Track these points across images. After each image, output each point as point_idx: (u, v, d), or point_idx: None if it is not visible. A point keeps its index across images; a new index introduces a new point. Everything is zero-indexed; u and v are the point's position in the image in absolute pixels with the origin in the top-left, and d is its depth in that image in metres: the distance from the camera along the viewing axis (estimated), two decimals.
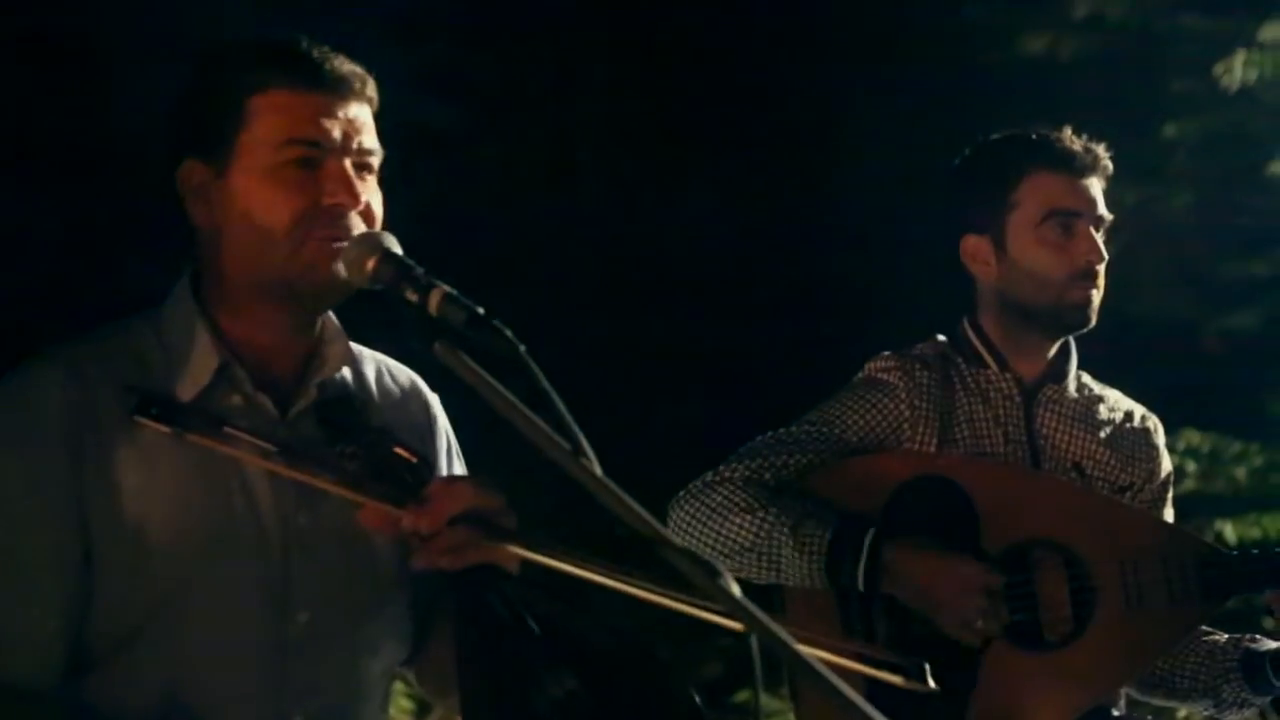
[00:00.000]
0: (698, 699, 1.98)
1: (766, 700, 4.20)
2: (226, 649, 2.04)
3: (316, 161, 2.05)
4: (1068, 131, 2.99)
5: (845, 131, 8.21)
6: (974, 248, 2.98)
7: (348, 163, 2.06)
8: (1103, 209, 2.96)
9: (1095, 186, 2.96)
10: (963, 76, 7.30)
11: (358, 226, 2.05)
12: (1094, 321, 2.95)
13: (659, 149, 8.80)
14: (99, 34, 7.36)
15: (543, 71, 9.24)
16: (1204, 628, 3.01)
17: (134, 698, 2.03)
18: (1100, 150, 2.99)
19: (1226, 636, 2.99)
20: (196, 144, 2.08)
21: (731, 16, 8.49)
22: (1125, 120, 6.54)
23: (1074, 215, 2.92)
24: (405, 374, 2.28)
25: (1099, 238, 2.93)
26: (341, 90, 2.07)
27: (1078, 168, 2.94)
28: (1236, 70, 6.31)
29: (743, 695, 6.30)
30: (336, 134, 2.05)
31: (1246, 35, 6.40)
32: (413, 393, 2.27)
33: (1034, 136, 2.98)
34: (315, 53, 2.08)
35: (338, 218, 2.04)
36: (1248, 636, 2.96)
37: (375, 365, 2.25)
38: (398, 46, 8.96)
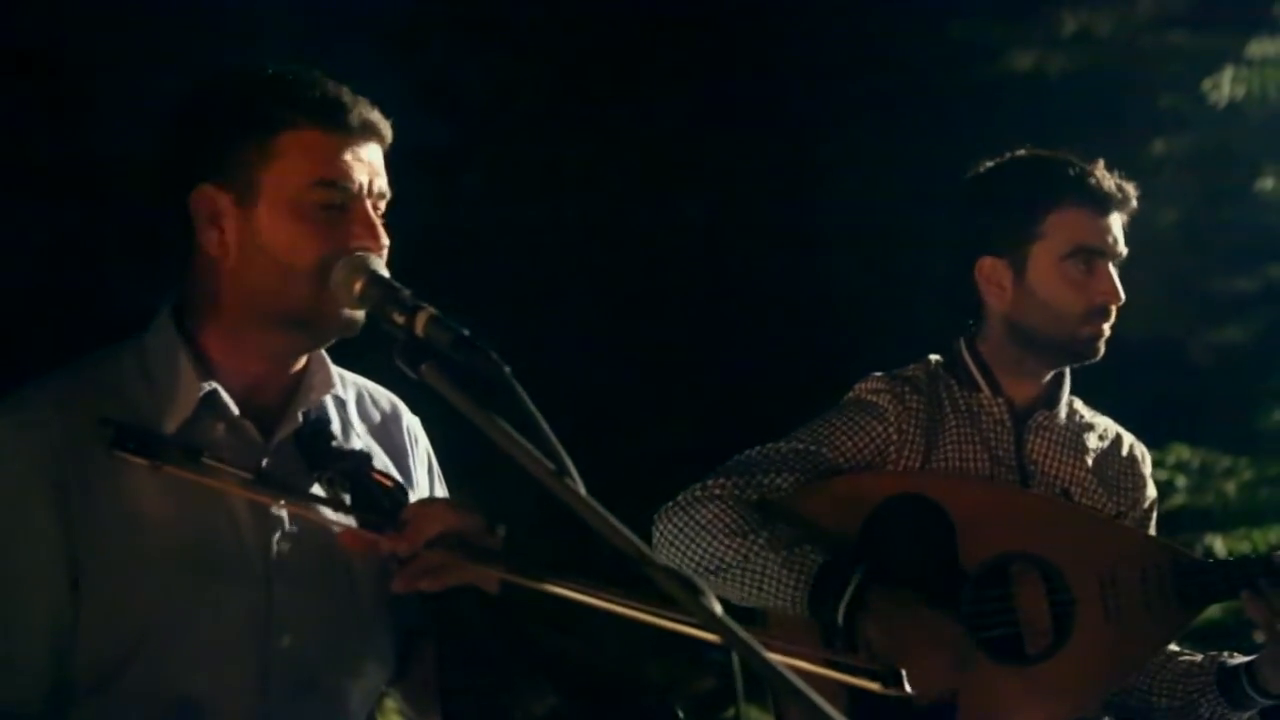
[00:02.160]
0: (681, 716, 1.99)
1: (755, 715, 4.20)
2: (211, 674, 2.05)
3: (342, 204, 2.08)
4: (1100, 165, 2.96)
5: (836, 148, 8.22)
6: (990, 270, 2.96)
7: (369, 205, 2.09)
8: (1123, 247, 2.95)
9: (1119, 224, 2.96)
10: (951, 93, 7.32)
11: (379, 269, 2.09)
12: (1102, 355, 2.95)
13: (651, 163, 8.82)
14: (85, 51, 7.36)
15: (534, 85, 9.25)
16: (1180, 648, 3.02)
17: None
18: (1130, 188, 2.97)
19: (1202, 655, 3.00)
20: (216, 171, 2.09)
21: (723, 30, 8.51)
22: (1113, 136, 6.55)
23: (1098, 254, 2.91)
24: (386, 398, 2.29)
25: (1115, 274, 2.92)
26: (367, 134, 2.11)
27: (1108, 206, 2.92)
28: (1225, 86, 6.33)
29: (733, 711, 6.30)
30: (362, 178, 2.09)
31: (1234, 51, 6.42)
32: (393, 416, 2.28)
33: (1070, 168, 2.94)
34: (343, 95, 2.11)
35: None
36: (1223, 653, 2.97)
37: (356, 390, 2.27)
38: (388, 61, 8.98)
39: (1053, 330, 2.93)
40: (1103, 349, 2.95)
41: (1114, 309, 2.93)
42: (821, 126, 8.31)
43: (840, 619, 2.75)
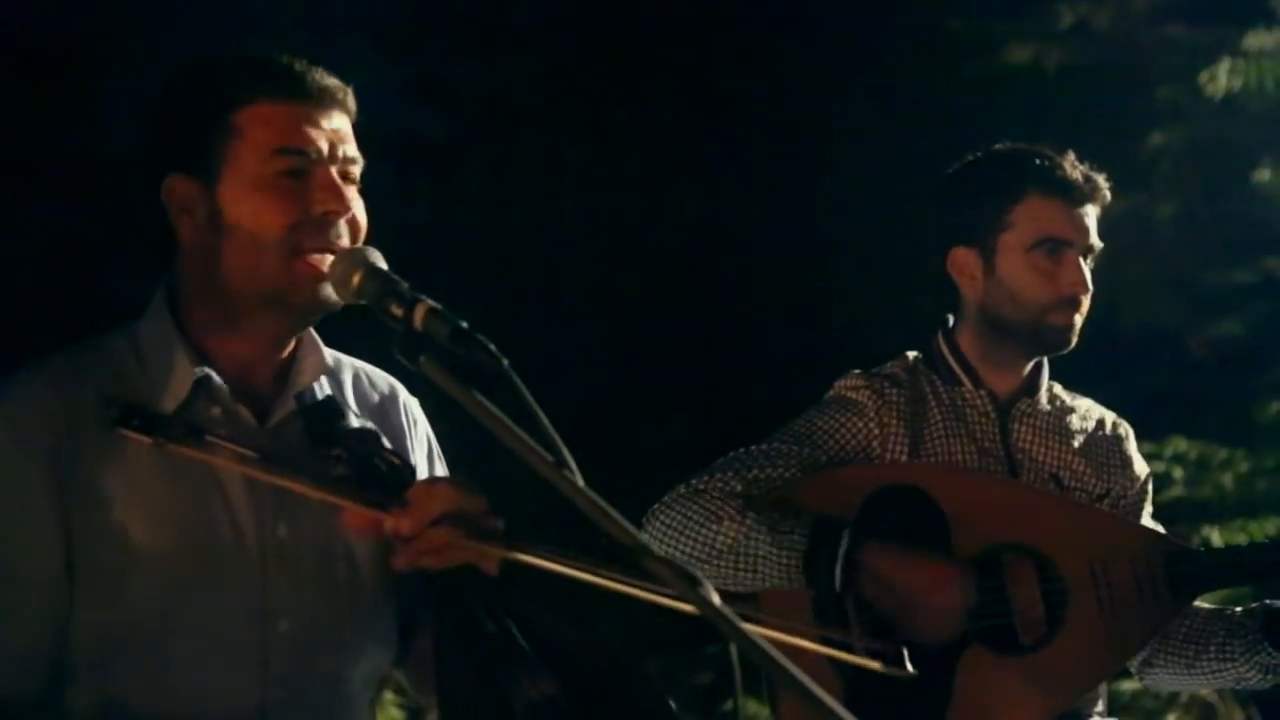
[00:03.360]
0: (674, 707, 2.00)
1: (753, 707, 4.21)
2: (209, 658, 2.05)
3: (304, 171, 2.08)
4: (1070, 157, 2.97)
5: (833, 144, 8.23)
6: (962, 260, 2.99)
7: (334, 171, 2.09)
8: (1094, 238, 2.96)
9: (1090, 215, 2.96)
10: (949, 86, 7.33)
11: (345, 235, 2.09)
12: (1074, 344, 2.96)
13: (648, 161, 8.83)
14: (84, 50, 7.38)
15: (531, 81, 9.25)
16: (1217, 605, 3.03)
17: (117, 709, 2.04)
18: (1100, 179, 2.98)
19: (1241, 609, 3.01)
20: (181, 160, 2.10)
21: (719, 27, 8.52)
22: (1111, 129, 6.58)
23: (1065, 244, 2.92)
24: (384, 379, 2.30)
25: (1087, 266, 2.94)
26: (325, 101, 2.10)
27: (1076, 196, 2.93)
28: (1221, 79, 6.35)
29: (730, 704, 6.31)
30: (323, 144, 2.09)
31: (1231, 44, 6.43)
32: (392, 398, 2.29)
33: (1036, 159, 2.95)
34: (296, 65, 2.11)
35: (327, 226, 2.08)
36: (1264, 602, 2.97)
37: (354, 372, 2.27)
38: (387, 60, 8.99)
39: (1022, 319, 2.95)
40: (1074, 339, 2.96)
41: (1084, 299, 2.94)
42: (818, 123, 8.32)
43: (837, 584, 2.76)
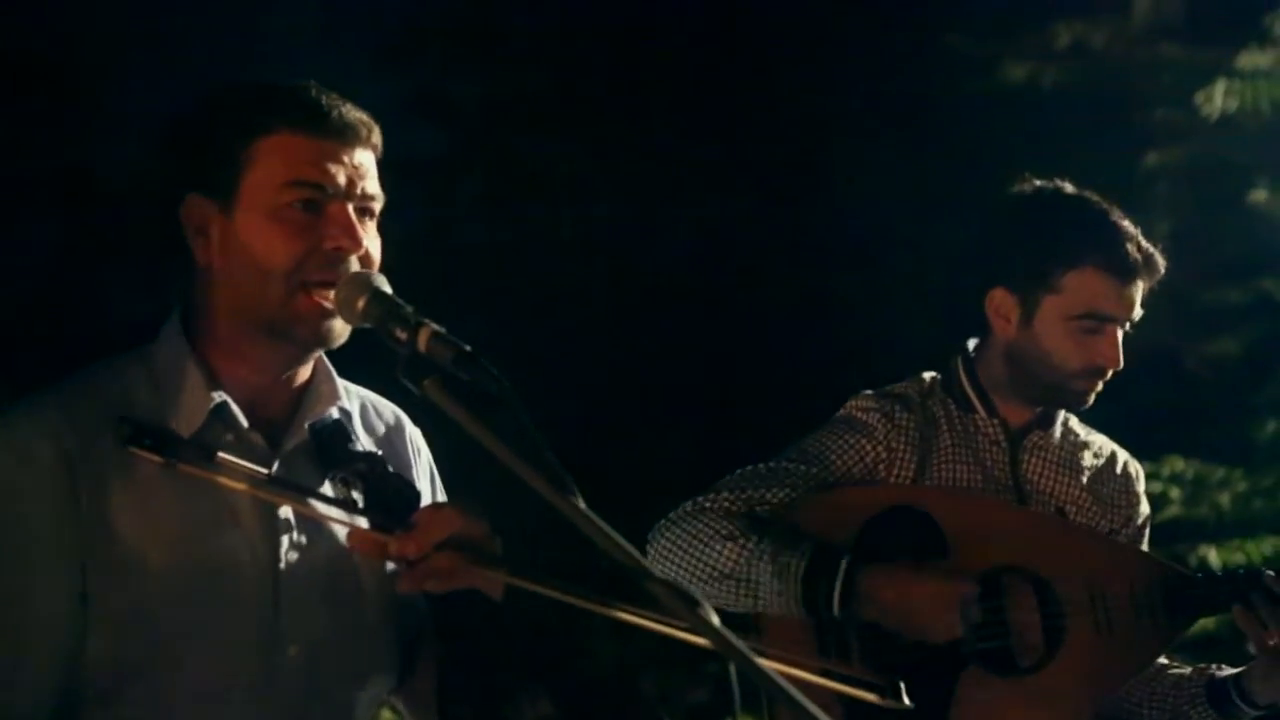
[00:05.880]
0: None
1: None
2: (220, 683, 2.05)
3: (319, 205, 2.07)
4: (1135, 233, 2.88)
5: (831, 158, 8.25)
6: (1001, 303, 2.94)
7: (350, 207, 2.09)
8: (1138, 312, 2.92)
9: (1139, 290, 2.90)
10: (946, 104, 7.35)
11: (358, 266, 2.07)
12: (1088, 406, 2.96)
13: (647, 172, 8.84)
14: (86, 62, 7.38)
15: (530, 93, 9.27)
16: (1170, 660, 3.04)
17: None
18: (1158, 257, 2.89)
19: (1191, 668, 3.02)
20: (201, 181, 2.11)
21: (718, 41, 8.54)
22: (1107, 148, 6.60)
23: (1109, 320, 2.90)
24: (390, 409, 2.31)
25: (1121, 338, 2.90)
26: (347, 136, 2.10)
27: (1132, 275, 2.89)
28: (1217, 99, 6.36)
29: None
30: (341, 179, 2.08)
31: (1226, 64, 6.45)
32: (397, 428, 2.30)
33: (1102, 230, 2.87)
34: (323, 99, 2.11)
35: (336, 262, 2.06)
36: (1211, 666, 2.99)
37: (360, 402, 2.28)
38: (384, 71, 9.00)
39: (1046, 378, 2.94)
40: (1090, 402, 2.96)
41: (1110, 371, 2.93)
42: (817, 137, 8.34)
43: (836, 613, 2.77)
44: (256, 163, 2.08)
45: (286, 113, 2.09)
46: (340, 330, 2.07)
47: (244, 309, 2.09)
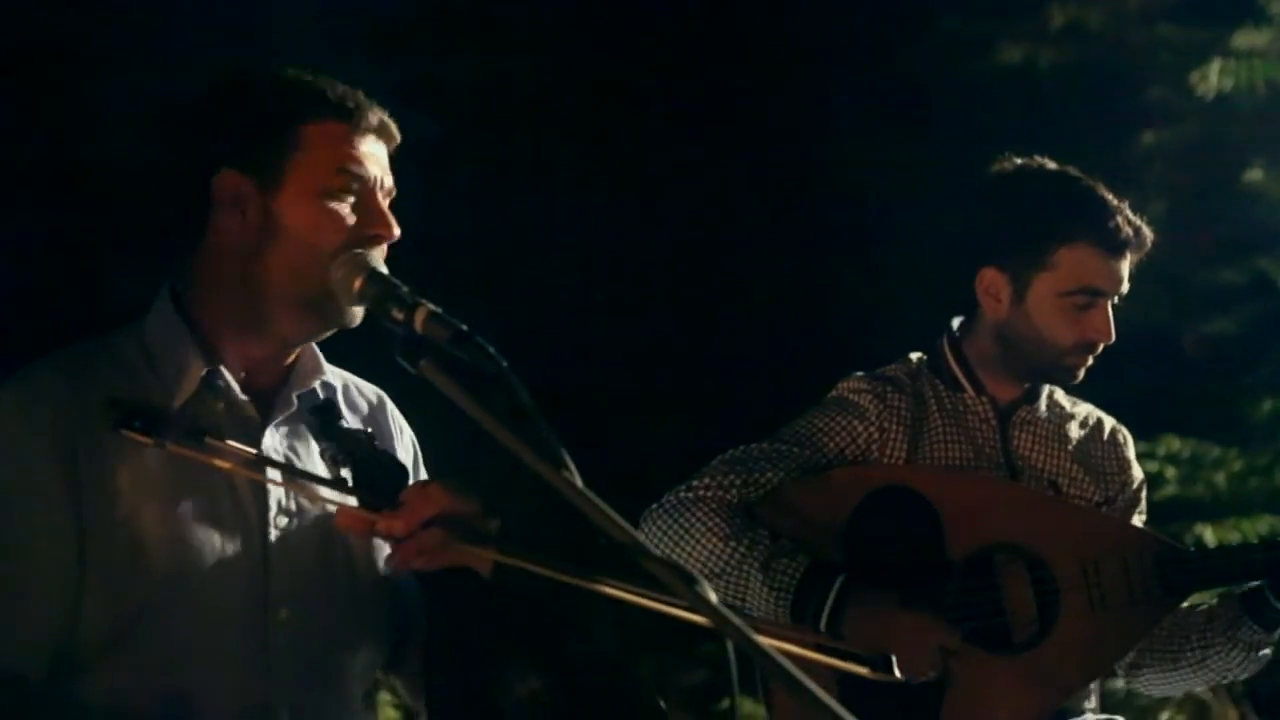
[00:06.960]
0: (664, 706, 2.02)
1: (748, 706, 4.22)
2: (212, 645, 2.11)
3: (359, 193, 2.20)
4: (1123, 208, 2.92)
5: (825, 144, 8.24)
6: (991, 282, 2.95)
7: (382, 198, 2.22)
8: (1126, 285, 2.94)
9: (1128, 264, 2.94)
10: (941, 86, 7.34)
11: (380, 259, 2.19)
12: (1078, 381, 2.96)
13: (641, 161, 8.84)
14: (78, 52, 7.37)
15: (523, 81, 9.26)
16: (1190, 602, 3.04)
17: (124, 695, 2.08)
18: (1147, 230, 2.93)
19: (1216, 600, 3.02)
20: (240, 158, 2.17)
21: (711, 27, 8.53)
22: (1102, 129, 6.60)
23: (1101, 294, 2.90)
24: (372, 390, 2.39)
25: (1111, 312, 2.91)
26: (381, 133, 2.24)
27: (1122, 249, 2.91)
28: (1212, 79, 6.36)
29: (726, 702, 6.33)
30: (375, 171, 2.22)
31: (1222, 44, 6.45)
32: (380, 407, 2.38)
33: (1091, 206, 2.89)
34: (360, 95, 2.24)
35: (374, 247, 2.20)
36: (1235, 587, 2.98)
37: (343, 381, 2.36)
38: (378, 59, 8.99)
39: (1038, 355, 2.95)
40: (1081, 377, 2.97)
41: (1101, 345, 2.93)
42: (811, 123, 8.33)
43: (823, 626, 2.78)
44: (303, 148, 2.18)
45: (331, 102, 2.19)
46: (360, 312, 2.17)
47: (280, 283, 2.17)
